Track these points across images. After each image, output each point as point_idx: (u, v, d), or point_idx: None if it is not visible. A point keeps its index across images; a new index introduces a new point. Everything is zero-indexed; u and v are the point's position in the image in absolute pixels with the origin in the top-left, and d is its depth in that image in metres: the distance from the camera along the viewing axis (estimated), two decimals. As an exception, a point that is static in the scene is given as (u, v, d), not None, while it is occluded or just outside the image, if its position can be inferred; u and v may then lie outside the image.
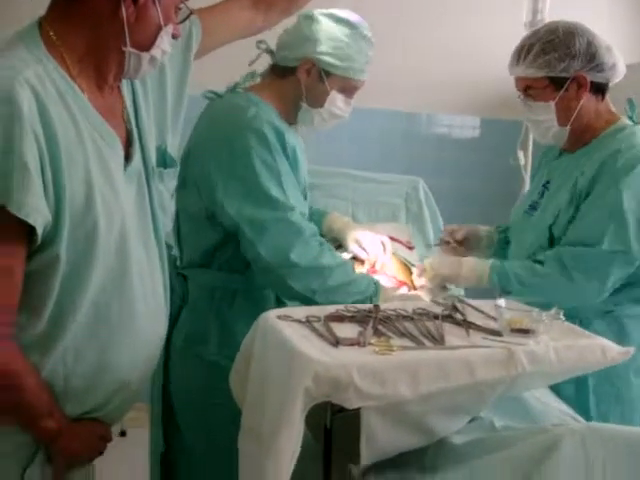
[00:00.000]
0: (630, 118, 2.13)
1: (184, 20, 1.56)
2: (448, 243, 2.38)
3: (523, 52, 2.04)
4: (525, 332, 1.46)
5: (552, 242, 2.07)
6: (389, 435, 1.44)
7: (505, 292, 1.92)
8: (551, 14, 3.54)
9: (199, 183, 1.93)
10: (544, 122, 2.10)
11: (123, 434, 3.89)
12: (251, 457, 1.41)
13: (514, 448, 1.29)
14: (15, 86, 1.23)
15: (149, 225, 1.56)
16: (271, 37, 2.08)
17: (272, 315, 1.52)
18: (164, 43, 1.47)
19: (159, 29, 1.44)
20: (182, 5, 1.52)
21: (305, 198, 2.08)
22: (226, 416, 1.60)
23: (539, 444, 1.25)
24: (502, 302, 1.55)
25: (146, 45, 1.44)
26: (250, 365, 1.48)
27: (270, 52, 2.08)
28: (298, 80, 2.01)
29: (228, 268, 1.99)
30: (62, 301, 1.35)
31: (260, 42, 2.07)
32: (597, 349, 1.47)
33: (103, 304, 1.41)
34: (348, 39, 1.99)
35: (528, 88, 2.08)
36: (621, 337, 1.93)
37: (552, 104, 2.05)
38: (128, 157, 1.51)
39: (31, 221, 1.23)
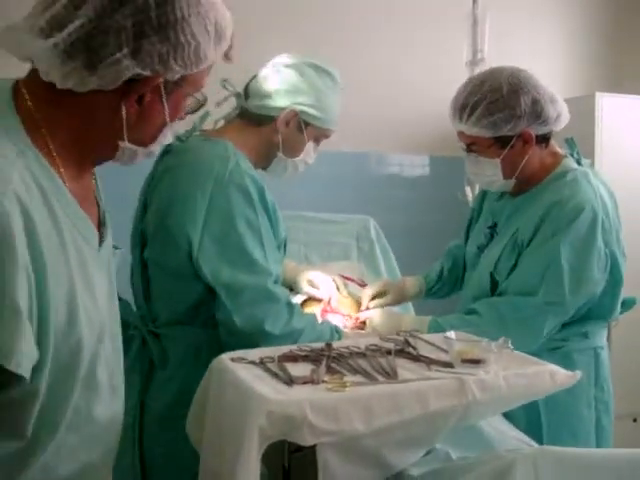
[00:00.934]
0: (571, 155, 2.15)
1: (196, 111, 1.41)
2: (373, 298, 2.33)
3: (466, 111, 2.00)
4: (475, 362, 1.48)
5: (494, 288, 2.08)
6: (347, 471, 1.44)
7: None
8: (490, 53, 3.65)
9: (176, 237, 1.81)
10: (488, 176, 2.10)
11: None
12: (211, 501, 1.41)
13: (469, 476, 1.31)
14: (5, 206, 1.02)
15: (115, 308, 1.40)
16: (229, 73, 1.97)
17: (226, 358, 1.52)
18: (166, 137, 1.31)
19: (163, 126, 1.28)
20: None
21: (284, 250, 2.06)
22: None
23: (493, 470, 1.27)
24: (452, 334, 1.58)
25: (146, 142, 1.29)
26: (206, 408, 1.49)
27: (238, 95, 2.00)
28: (275, 129, 1.96)
29: (213, 324, 1.86)
30: (42, 422, 1.16)
31: (225, 81, 1.97)
32: (546, 374, 1.51)
33: (77, 409, 1.23)
34: (329, 90, 1.99)
35: (472, 144, 2.07)
36: (568, 369, 1.95)
37: (497, 161, 2.04)
38: (100, 239, 1.31)
39: (21, 371, 1.04)
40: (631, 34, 5.13)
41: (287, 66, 1.98)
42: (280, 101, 1.95)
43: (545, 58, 4.61)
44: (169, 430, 1.86)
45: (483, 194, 2.39)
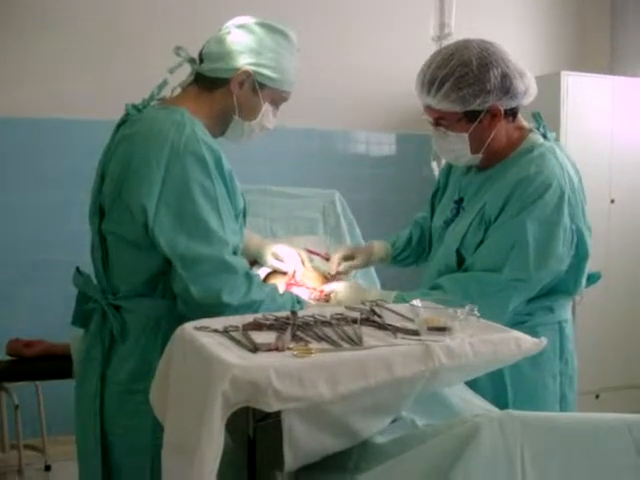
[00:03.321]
0: (537, 129, 2.12)
1: None
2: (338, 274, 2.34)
3: (435, 85, 1.96)
4: (442, 330, 1.48)
5: (460, 263, 2.07)
6: (312, 439, 1.43)
7: None
8: (457, 28, 3.64)
9: (132, 208, 1.78)
10: (456, 151, 2.07)
11: (48, 469, 3.79)
12: (175, 471, 1.39)
13: (434, 440, 1.30)
14: None
15: None
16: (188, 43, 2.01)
17: (189, 326, 1.50)
18: None
19: None
20: None
21: (244, 219, 2.02)
22: None
23: (458, 434, 1.26)
24: (418, 302, 1.57)
25: None
26: (169, 378, 1.47)
27: (192, 61, 1.97)
28: (230, 92, 1.93)
29: (173, 295, 1.83)
30: None
31: (179, 48, 1.96)
32: (511, 341, 1.50)
33: None
34: (283, 50, 1.94)
35: (440, 119, 2.03)
36: None
37: (465, 135, 2.01)
38: None
39: None
40: (595, 14, 5.17)
41: (238, 27, 1.94)
42: (232, 62, 1.91)
43: (512, 35, 4.62)
44: (129, 403, 1.86)
45: (449, 168, 2.37)
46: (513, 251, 1.93)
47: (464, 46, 2.00)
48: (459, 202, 2.19)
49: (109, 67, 4.05)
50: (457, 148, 2.06)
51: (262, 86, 1.94)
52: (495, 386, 2.00)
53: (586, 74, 4.42)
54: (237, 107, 1.95)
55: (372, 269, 2.71)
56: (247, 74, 1.91)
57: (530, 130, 2.12)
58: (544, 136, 2.11)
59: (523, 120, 2.14)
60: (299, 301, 1.95)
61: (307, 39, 4.13)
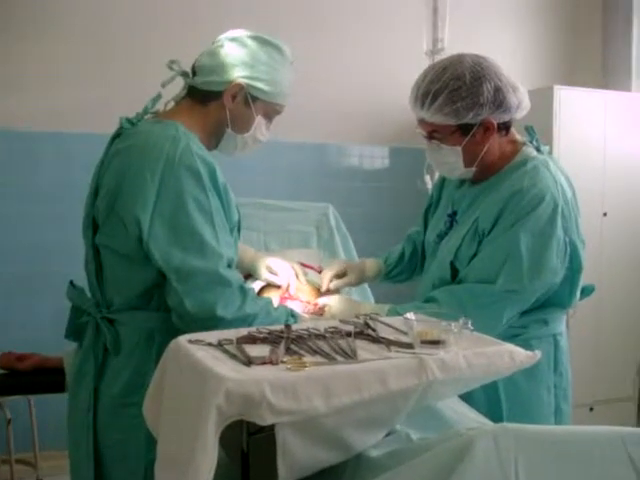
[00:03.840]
0: (530, 143, 2.13)
1: None
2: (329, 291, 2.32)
3: (428, 98, 1.97)
4: (435, 343, 1.48)
5: (454, 276, 2.07)
6: (306, 453, 1.42)
7: None
8: (450, 43, 3.66)
9: (125, 221, 1.78)
10: (449, 164, 2.07)
11: (39, 484, 3.76)
12: (168, 485, 1.38)
13: (429, 454, 1.30)
14: None
15: None
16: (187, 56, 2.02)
17: (183, 340, 1.50)
18: None
19: None
20: None
21: (239, 232, 2.01)
22: None
23: (453, 447, 1.26)
24: (412, 315, 1.57)
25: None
26: (163, 391, 1.46)
27: (185, 74, 1.98)
28: (223, 105, 1.94)
29: (167, 308, 1.83)
30: None
31: (172, 62, 1.96)
32: (505, 354, 1.50)
33: None
34: (276, 64, 1.95)
35: (434, 132, 2.04)
36: None
37: (459, 148, 2.02)
38: None
39: None
40: (587, 29, 5.20)
41: (231, 40, 1.95)
42: (225, 75, 1.92)
43: (505, 50, 4.65)
44: (123, 417, 1.85)
45: (442, 181, 2.38)
46: (507, 263, 1.94)
47: (458, 60, 2.01)
48: (452, 215, 2.20)
49: (106, 81, 4.05)
50: (450, 161, 2.06)
51: (255, 99, 1.94)
52: (489, 399, 2.00)
53: (578, 88, 4.44)
54: (230, 120, 1.95)
55: (365, 284, 2.71)
56: (240, 87, 1.92)
57: (523, 144, 2.13)
58: (537, 149, 2.12)
59: (516, 134, 2.14)
60: (293, 315, 1.94)
61: (301, 53, 4.14)
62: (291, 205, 2.95)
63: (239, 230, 2.01)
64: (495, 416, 1.95)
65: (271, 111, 2.01)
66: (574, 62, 5.16)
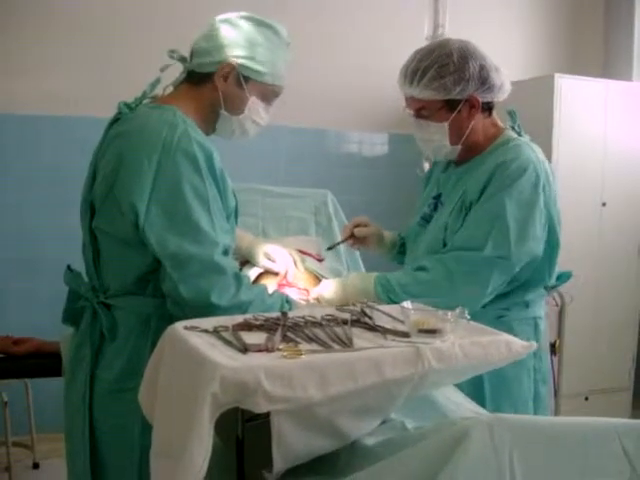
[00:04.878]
0: (512, 128, 2.22)
1: None
2: (351, 236, 2.43)
3: (418, 74, 2.05)
4: (432, 332, 1.47)
5: None
6: (301, 440, 1.42)
7: (392, 302, 1.94)
8: (451, 29, 3.65)
9: (122, 206, 1.77)
10: (436, 141, 2.13)
11: (36, 466, 3.77)
12: (162, 471, 1.38)
13: (423, 443, 1.30)
14: None
15: None
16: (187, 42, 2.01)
17: (179, 326, 1.50)
18: None
19: None
20: None
21: (236, 219, 2.01)
22: None
23: (448, 437, 1.26)
24: (408, 304, 1.57)
25: None
26: (158, 378, 1.46)
27: (183, 59, 1.97)
28: (215, 87, 1.92)
29: (162, 293, 1.82)
30: None
31: (172, 52, 1.96)
32: (502, 344, 1.51)
33: None
34: (271, 44, 1.93)
35: (422, 109, 2.11)
36: None
37: (445, 125, 2.10)
38: None
39: None
40: (589, 17, 5.18)
41: (225, 21, 1.94)
42: (216, 56, 1.91)
43: (506, 38, 4.63)
44: (118, 402, 1.85)
45: (431, 169, 2.48)
46: (494, 229, 2.01)
47: (445, 42, 2.13)
48: (437, 197, 2.28)
49: (105, 64, 4.03)
50: (436, 138, 2.13)
51: (247, 79, 1.92)
52: (472, 381, 2.01)
53: (580, 77, 4.42)
54: (223, 101, 1.94)
55: (360, 262, 2.75)
56: (231, 67, 1.90)
57: (506, 128, 2.22)
58: (519, 134, 2.22)
59: (498, 120, 2.24)
60: (288, 301, 1.94)
61: (301, 38, 4.12)
62: (289, 191, 2.94)
63: (236, 216, 2.01)
64: (478, 398, 2.00)
65: (267, 92, 1.98)
66: (575, 51, 5.15)
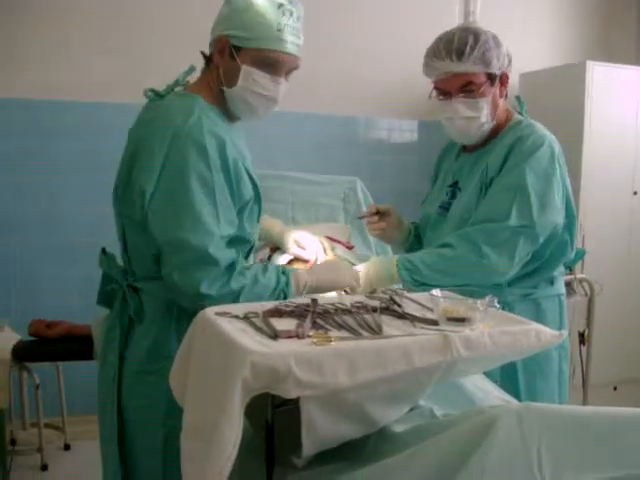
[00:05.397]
0: (520, 114, 2.27)
1: None
2: (376, 213, 2.41)
3: (467, 48, 2.06)
4: (461, 320, 1.48)
5: None
6: (330, 426, 1.44)
7: (418, 283, 1.98)
8: (482, 15, 3.63)
9: (134, 190, 1.80)
10: (482, 117, 2.14)
11: (67, 447, 3.83)
12: (193, 454, 1.40)
13: (452, 430, 1.31)
14: None
15: None
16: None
17: (210, 312, 1.51)
18: None
19: None
20: None
21: (259, 207, 1.98)
22: None
23: (476, 424, 1.26)
24: (437, 292, 1.57)
25: None
26: (190, 362, 1.48)
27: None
28: (217, 64, 1.90)
29: None
30: None
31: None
32: (531, 334, 1.50)
33: None
34: (253, 7, 1.83)
35: (469, 84, 2.10)
36: (539, 317, 2.09)
37: (490, 98, 2.13)
38: None
39: None
40: (622, 3, 5.11)
41: (224, 1, 1.91)
42: (213, 34, 1.90)
43: (537, 25, 4.58)
44: (144, 384, 1.88)
45: (439, 160, 2.52)
46: (516, 200, 2.04)
47: (467, 25, 2.19)
48: (454, 185, 2.30)
49: (137, 52, 4.05)
50: (484, 113, 2.14)
51: (238, 49, 1.86)
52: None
53: (612, 64, 4.37)
54: (223, 77, 1.90)
55: (390, 251, 2.75)
56: (223, 40, 1.86)
57: (514, 113, 2.27)
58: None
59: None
60: (284, 271, 1.89)
61: (330, 26, 4.14)
62: (318, 179, 2.95)
63: (259, 205, 1.98)
64: (510, 376, 2.08)
65: (264, 59, 1.86)
66: (608, 38, 5.08)
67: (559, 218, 2.12)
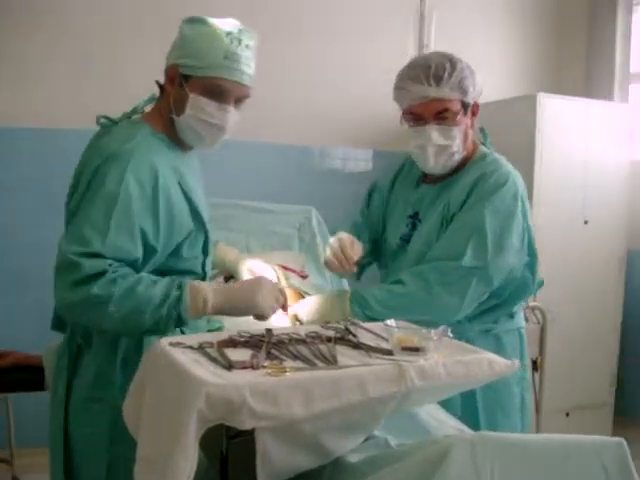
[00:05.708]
0: (483, 145, 2.25)
1: None
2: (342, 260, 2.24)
3: (445, 74, 2.03)
4: (415, 350, 1.49)
5: None
6: (285, 457, 1.43)
7: (370, 319, 1.92)
8: (436, 48, 3.67)
9: (71, 210, 1.83)
10: (454, 147, 2.10)
11: (15, 480, 3.74)
12: (146, 487, 1.39)
13: (406, 460, 1.31)
14: None
15: None
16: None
17: (164, 342, 1.50)
18: None
19: None
20: None
21: (204, 234, 1.96)
22: (130, 470, 1.44)
23: (430, 455, 1.27)
24: (392, 322, 1.58)
25: None
26: (143, 394, 1.47)
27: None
28: (168, 93, 1.91)
29: None
30: None
31: None
32: (484, 363, 1.52)
33: None
34: (201, 36, 1.85)
35: (444, 111, 2.06)
36: (499, 351, 1.98)
37: (463, 128, 2.10)
38: None
39: None
40: (572, 38, 5.24)
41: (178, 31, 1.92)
42: (167, 63, 1.91)
43: (490, 57, 4.67)
44: (89, 411, 1.86)
45: (391, 186, 2.45)
46: (472, 239, 2.02)
47: (441, 52, 2.15)
48: (414, 216, 2.25)
49: (87, 79, 4.02)
50: (454, 143, 2.10)
51: (187, 78, 1.86)
52: (465, 394, 2.03)
53: (562, 96, 4.46)
54: (173, 106, 1.90)
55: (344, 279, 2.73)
56: (173, 70, 1.88)
57: (479, 144, 2.25)
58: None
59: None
60: (180, 286, 1.74)
61: (286, 56, 4.18)
62: (273, 207, 2.95)
63: (205, 234, 1.96)
64: (470, 412, 2.07)
65: (209, 87, 1.86)
66: (558, 71, 5.20)
67: (515, 260, 2.09)
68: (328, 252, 2.23)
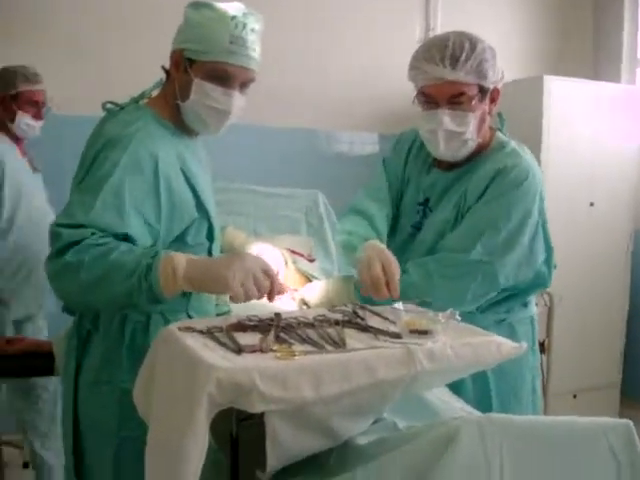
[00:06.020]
0: (500, 131, 2.16)
1: None
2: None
3: (462, 57, 1.92)
4: (423, 333, 1.49)
5: None
6: (294, 440, 1.44)
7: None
8: (442, 30, 3.66)
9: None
10: (462, 134, 2.00)
11: (26, 466, 3.77)
12: (158, 469, 1.40)
13: (414, 442, 1.32)
14: None
15: None
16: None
17: (174, 327, 1.52)
18: None
19: None
20: None
21: (208, 221, 1.94)
22: (138, 451, 1.46)
23: (438, 436, 1.28)
24: (400, 305, 1.59)
25: None
26: (154, 379, 1.48)
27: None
28: (173, 78, 1.90)
29: None
30: None
31: None
32: (492, 345, 1.53)
33: None
34: (206, 21, 1.83)
35: (460, 95, 1.95)
36: (512, 339, 1.99)
37: (478, 113, 1.99)
38: None
39: None
40: (578, 19, 5.21)
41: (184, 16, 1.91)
42: (172, 49, 1.90)
43: (496, 38, 4.60)
44: (97, 394, 1.87)
45: (404, 163, 2.29)
46: (484, 235, 1.96)
47: (461, 32, 2.01)
48: (425, 203, 2.18)
49: (100, 65, 4.01)
50: (471, 129, 2.00)
51: (192, 62, 1.85)
52: (477, 383, 2.04)
53: (569, 78, 4.45)
54: (178, 91, 1.88)
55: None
56: (178, 54, 1.87)
57: (496, 130, 2.16)
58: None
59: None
60: (155, 255, 1.64)
61: (294, 41, 4.16)
62: (280, 191, 2.96)
63: (208, 220, 1.95)
64: (484, 399, 2.04)
65: (214, 72, 1.85)
66: (565, 52, 5.18)
67: (528, 258, 2.05)
68: (363, 272, 1.91)
